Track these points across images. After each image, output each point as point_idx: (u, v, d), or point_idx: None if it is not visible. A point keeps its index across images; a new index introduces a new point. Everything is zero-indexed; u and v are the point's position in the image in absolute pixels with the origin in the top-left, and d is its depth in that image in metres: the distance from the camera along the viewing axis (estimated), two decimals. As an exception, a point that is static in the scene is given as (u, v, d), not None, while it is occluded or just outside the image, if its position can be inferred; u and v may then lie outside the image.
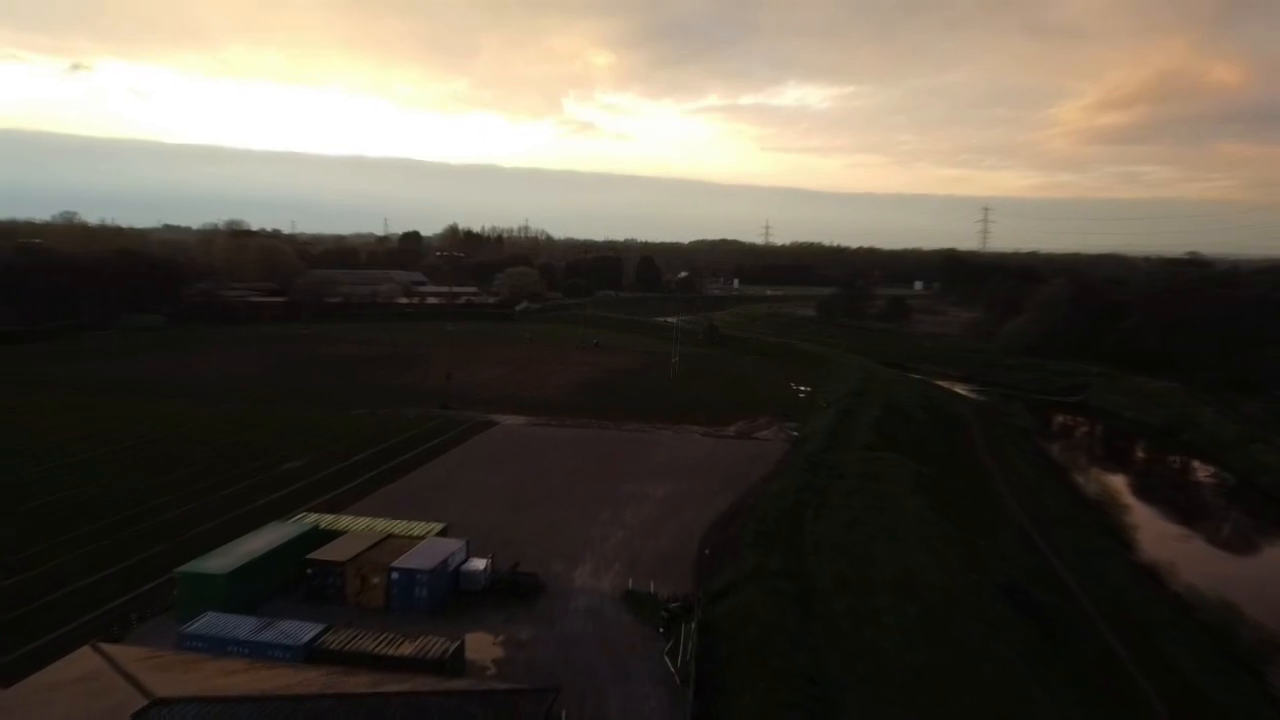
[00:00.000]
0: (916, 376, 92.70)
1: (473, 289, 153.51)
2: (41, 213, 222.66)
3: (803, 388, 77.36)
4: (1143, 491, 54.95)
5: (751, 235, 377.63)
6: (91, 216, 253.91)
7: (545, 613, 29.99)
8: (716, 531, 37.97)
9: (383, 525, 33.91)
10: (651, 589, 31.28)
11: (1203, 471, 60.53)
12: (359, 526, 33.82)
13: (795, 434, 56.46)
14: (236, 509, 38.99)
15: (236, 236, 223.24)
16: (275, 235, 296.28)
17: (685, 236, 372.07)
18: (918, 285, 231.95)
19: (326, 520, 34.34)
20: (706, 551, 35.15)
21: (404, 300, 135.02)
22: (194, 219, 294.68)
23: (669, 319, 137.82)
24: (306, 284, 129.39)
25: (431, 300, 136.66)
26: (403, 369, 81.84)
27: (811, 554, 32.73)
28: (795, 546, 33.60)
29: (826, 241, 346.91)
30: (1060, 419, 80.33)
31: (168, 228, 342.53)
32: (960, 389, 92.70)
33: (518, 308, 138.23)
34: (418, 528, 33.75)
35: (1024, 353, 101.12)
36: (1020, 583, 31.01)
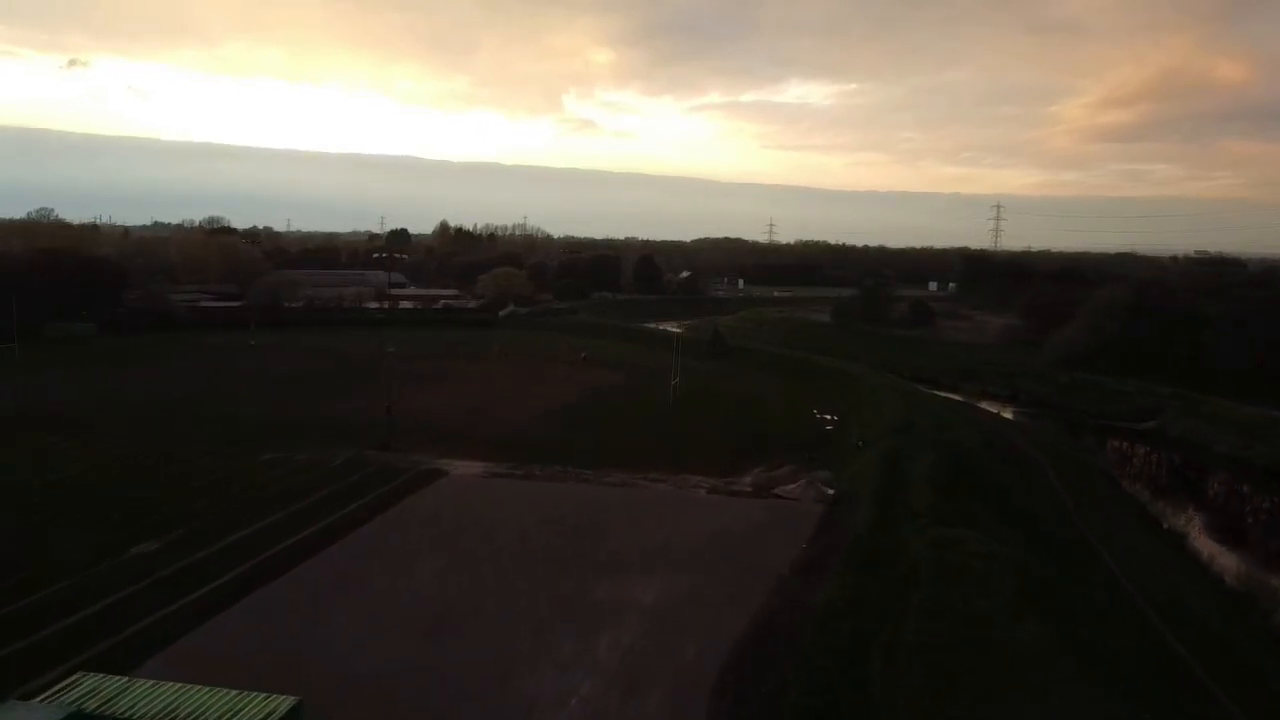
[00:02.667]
0: (957, 398, 79.64)
1: (453, 291, 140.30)
2: (34, 210, 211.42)
3: (828, 416, 64.17)
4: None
5: (754, 234, 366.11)
6: (85, 214, 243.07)
7: None
8: (733, 682, 24.85)
9: (192, 702, 20.86)
10: (629, 834, 18.27)
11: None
12: (153, 707, 20.72)
13: (830, 491, 43.27)
14: None
15: (212, 234, 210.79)
16: (266, 232, 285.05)
17: (687, 235, 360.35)
18: (932, 286, 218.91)
19: (105, 692, 21.28)
20: (721, 738, 22.12)
21: (375, 305, 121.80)
22: (190, 217, 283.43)
23: (669, 326, 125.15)
24: (265, 286, 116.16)
25: (406, 304, 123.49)
26: (351, 390, 68.66)
27: (899, 765, 19.62)
28: (869, 746, 20.49)
29: (831, 240, 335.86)
30: (1136, 453, 67.11)
31: (157, 225, 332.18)
32: (1008, 412, 79.68)
33: (501, 313, 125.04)
34: (249, 709, 20.67)
35: (1076, 367, 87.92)
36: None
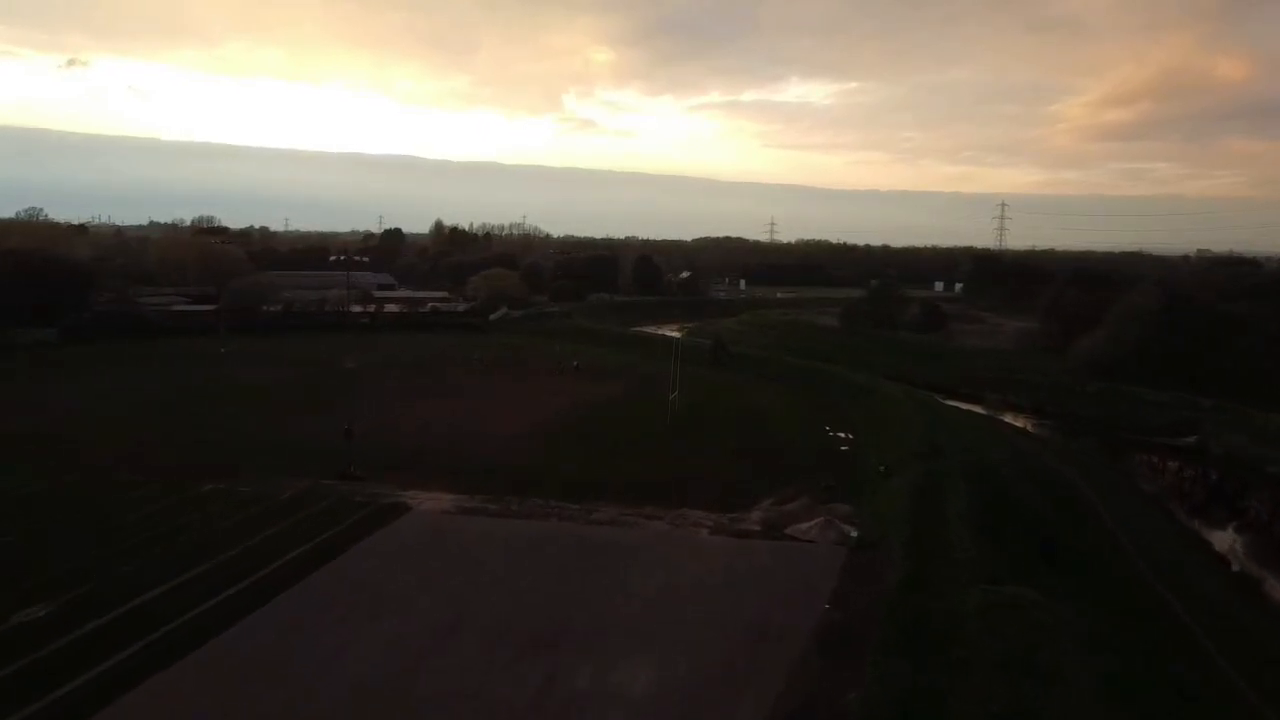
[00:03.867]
0: (980, 410, 73.56)
1: (442, 294, 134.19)
2: (23, 210, 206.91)
3: (842, 434, 58.31)
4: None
5: (755, 233, 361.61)
6: (84, 214, 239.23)
7: None
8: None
9: None
10: None
11: None
12: None
13: (853, 533, 37.24)
14: None
15: (198, 234, 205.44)
16: (262, 231, 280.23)
17: (687, 234, 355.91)
18: (938, 286, 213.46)
19: None
20: None
21: (358, 308, 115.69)
22: (184, 216, 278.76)
23: (668, 330, 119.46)
24: (241, 289, 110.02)
25: (391, 308, 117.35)
26: (318, 405, 62.51)
27: None
28: None
29: (832, 239, 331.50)
30: (1183, 474, 61.06)
31: (152, 225, 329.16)
32: (1034, 426, 73.73)
33: (493, 316, 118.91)
34: None
35: (1104, 376, 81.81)
36: None
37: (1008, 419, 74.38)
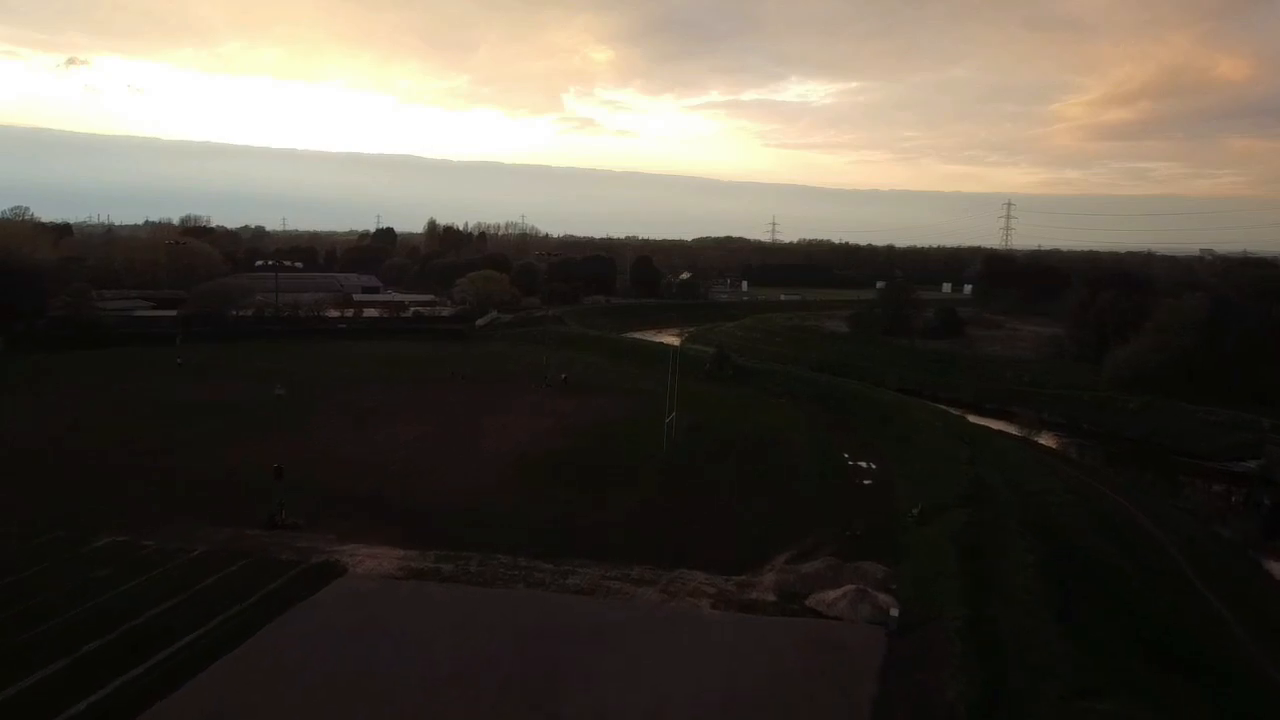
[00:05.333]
0: (1014, 430, 65.83)
1: (428, 297, 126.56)
2: (8, 209, 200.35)
3: (864, 464, 50.89)
4: None
5: (756, 232, 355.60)
6: (81, 213, 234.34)
7: None
8: None
9: None
10: None
11: None
12: None
13: (894, 612, 29.58)
14: None
15: (186, 234, 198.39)
16: (257, 230, 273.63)
17: (688, 234, 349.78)
18: (945, 287, 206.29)
19: None
20: None
21: (335, 313, 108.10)
22: (171, 215, 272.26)
23: (667, 335, 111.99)
24: (209, 292, 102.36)
25: (370, 312, 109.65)
26: (268, 428, 55.08)
27: None
28: None
29: (834, 239, 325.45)
30: (1256, 507, 53.37)
31: (147, 224, 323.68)
32: (1074, 448, 66.16)
33: (480, 321, 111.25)
34: None
35: (1145, 390, 74.17)
36: None
37: (1043, 440, 66.80)
